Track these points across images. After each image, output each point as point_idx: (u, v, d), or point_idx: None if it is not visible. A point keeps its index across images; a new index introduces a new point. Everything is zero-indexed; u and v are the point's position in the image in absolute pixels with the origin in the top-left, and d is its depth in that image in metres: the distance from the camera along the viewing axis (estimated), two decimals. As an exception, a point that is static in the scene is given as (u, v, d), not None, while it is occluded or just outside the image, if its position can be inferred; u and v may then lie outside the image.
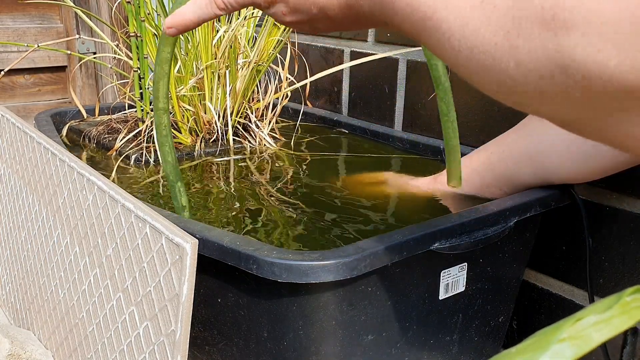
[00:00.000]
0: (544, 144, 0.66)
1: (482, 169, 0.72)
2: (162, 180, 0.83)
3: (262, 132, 0.98)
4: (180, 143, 0.95)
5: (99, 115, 1.08)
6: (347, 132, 1.05)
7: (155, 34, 0.96)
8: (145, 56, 0.95)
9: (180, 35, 0.94)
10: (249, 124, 0.99)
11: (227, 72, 0.95)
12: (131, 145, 0.92)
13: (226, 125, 0.96)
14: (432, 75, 0.61)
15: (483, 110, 0.87)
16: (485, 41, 0.29)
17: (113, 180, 0.81)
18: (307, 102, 1.15)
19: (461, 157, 0.79)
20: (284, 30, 0.99)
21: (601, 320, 0.20)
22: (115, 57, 1.07)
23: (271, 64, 1.02)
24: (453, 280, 0.62)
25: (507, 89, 0.29)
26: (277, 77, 1.03)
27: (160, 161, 0.64)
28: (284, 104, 1.04)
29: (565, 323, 0.20)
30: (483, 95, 0.89)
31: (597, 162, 0.64)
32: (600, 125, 0.28)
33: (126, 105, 1.05)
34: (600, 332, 0.19)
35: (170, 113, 0.97)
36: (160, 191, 0.79)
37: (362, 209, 0.71)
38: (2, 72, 1.08)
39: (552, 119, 0.31)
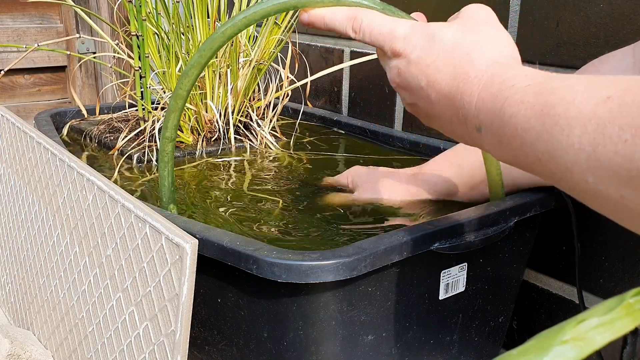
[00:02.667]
0: None
1: (470, 167, 0.69)
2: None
3: (264, 130, 0.98)
4: (181, 142, 0.95)
5: (99, 114, 1.08)
6: (347, 132, 1.05)
7: (156, 33, 0.96)
8: (147, 55, 0.95)
9: (182, 35, 0.94)
10: (250, 122, 0.99)
11: (229, 71, 0.95)
12: (133, 145, 0.92)
13: (227, 124, 0.96)
14: None
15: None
16: (612, 137, 0.27)
17: (115, 180, 0.81)
18: (308, 101, 1.15)
19: (444, 151, 0.76)
20: (285, 29, 0.99)
21: (604, 323, 0.20)
22: (115, 57, 1.07)
23: (272, 63, 1.02)
24: (453, 280, 0.62)
25: (636, 192, 0.27)
26: (277, 77, 1.03)
27: (159, 184, 0.65)
28: (284, 103, 1.04)
29: (567, 325, 0.20)
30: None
31: None
32: None
33: (127, 104, 1.05)
34: (603, 335, 0.19)
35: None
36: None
37: (361, 210, 0.71)
38: (2, 72, 1.07)
39: None
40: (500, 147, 0.37)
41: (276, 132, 1.01)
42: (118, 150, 0.92)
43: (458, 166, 0.70)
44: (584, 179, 0.30)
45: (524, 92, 0.35)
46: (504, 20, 0.80)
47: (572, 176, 0.31)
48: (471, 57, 0.42)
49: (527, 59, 0.80)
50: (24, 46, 1.00)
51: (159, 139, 0.92)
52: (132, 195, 0.61)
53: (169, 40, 0.94)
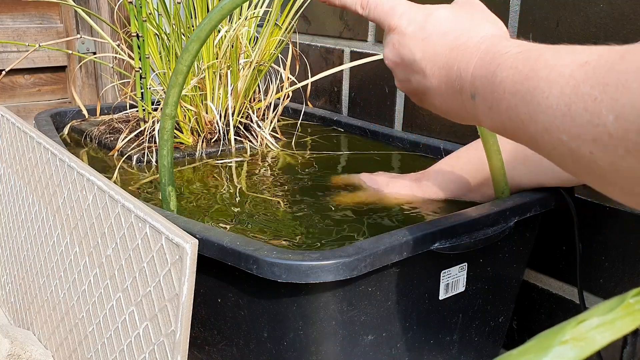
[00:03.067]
0: None
1: (472, 170, 0.70)
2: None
3: (264, 131, 0.98)
4: (181, 143, 0.95)
5: (99, 115, 1.08)
6: (347, 132, 1.05)
7: (157, 34, 0.96)
8: (147, 56, 0.95)
9: (182, 36, 0.94)
10: (251, 123, 0.99)
11: (229, 72, 0.95)
12: (133, 145, 0.92)
13: (227, 125, 0.96)
14: None
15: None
16: (584, 96, 0.29)
17: (115, 181, 0.81)
18: (308, 102, 1.15)
19: (447, 155, 0.78)
20: (285, 30, 0.99)
21: (604, 323, 0.20)
22: (115, 57, 1.07)
23: (272, 64, 1.02)
24: (453, 280, 0.62)
25: (603, 148, 0.28)
26: (278, 77, 1.03)
27: (158, 164, 0.66)
28: (285, 103, 1.04)
29: (567, 325, 0.20)
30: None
31: None
32: None
33: (127, 105, 1.05)
34: (603, 335, 0.19)
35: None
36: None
37: (360, 211, 0.71)
38: (3, 73, 1.08)
39: None
40: (490, 113, 0.39)
41: (276, 132, 1.01)
42: (118, 151, 0.92)
43: (460, 169, 0.71)
44: (559, 137, 0.31)
45: (514, 58, 0.37)
46: (504, 20, 0.80)
47: (549, 137, 0.32)
48: (469, 32, 0.44)
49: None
50: (27, 44, 1.00)
51: (159, 139, 0.92)
52: (132, 195, 0.61)
53: (169, 41, 0.94)
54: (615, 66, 0.28)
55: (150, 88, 0.98)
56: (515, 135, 0.38)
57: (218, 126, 0.95)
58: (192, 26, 0.94)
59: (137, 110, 1.02)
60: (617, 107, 0.27)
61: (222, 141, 0.95)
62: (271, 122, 1.00)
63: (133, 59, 0.97)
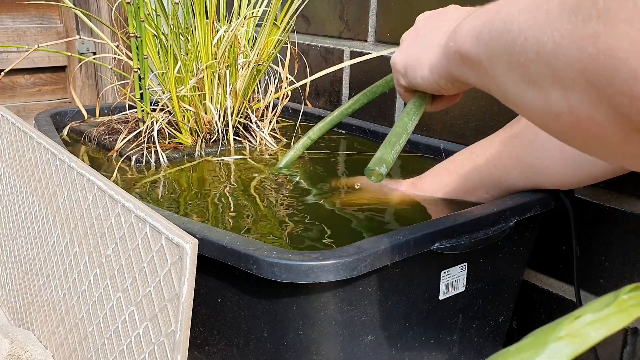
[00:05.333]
0: (535, 147, 0.64)
1: (467, 172, 0.70)
2: (162, 180, 0.83)
3: (263, 131, 0.98)
4: (180, 143, 0.95)
5: (99, 115, 1.08)
6: (347, 132, 1.05)
7: (155, 35, 0.96)
8: (145, 57, 0.95)
9: (181, 36, 0.94)
10: (250, 123, 0.99)
11: (227, 72, 0.95)
12: (132, 146, 0.92)
13: (227, 125, 0.96)
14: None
15: (483, 110, 0.87)
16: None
17: (114, 181, 0.81)
18: (307, 102, 1.15)
19: (446, 155, 0.78)
20: (284, 29, 0.99)
21: (598, 319, 0.20)
22: (115, 58, 1.07)
23: (271, 64, 1.02)
24: (453, 281, 0.62)
25: (538, 29, 0.30)
26: (277, 77, 1.03)
27: None
28: (284, 103, 1.04)
29: (563, 321, 0.20)
30: (483, 95, 0.89)
31: (590, 168, 0.62)
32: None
33: (127, 105, 1.05)
34: (598, 331, 0.19)
35: (171, 114, 0.97)
36: (161, 191, 0.79)
37: (360, 211, 0.71)
38: (2, 73, 1.08)
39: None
40: (469, 22, 0.40)
41: (276, 133, 1.01)
42: (117, 151, 0.92)
43: (454, 173, 0.71)
44: (509, 30, 0.33)
45: None
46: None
47: (502, 29, 0.34)
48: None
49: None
50: (26, 47, 1.00)
51: (158, 140, 0.92)
52: (132, 195, 0.61)
53: (167, 41, 0.94)
54: None
55: (148, 88, 0.98)
56: (480, 43, 0.38)
57: (217, 126, 0.95)
58: (190, 26, 0.94)
59: (136, 111, 1.02)
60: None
61: (221, 141, 0.95)
62: (270, 122, 1.00)
63: (132, 59, 0.97)
